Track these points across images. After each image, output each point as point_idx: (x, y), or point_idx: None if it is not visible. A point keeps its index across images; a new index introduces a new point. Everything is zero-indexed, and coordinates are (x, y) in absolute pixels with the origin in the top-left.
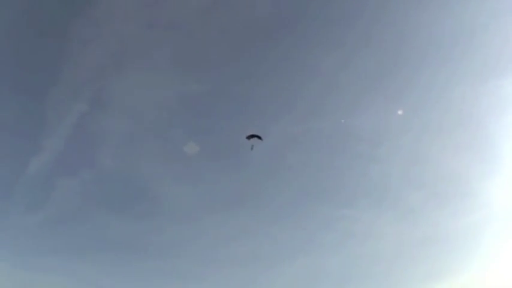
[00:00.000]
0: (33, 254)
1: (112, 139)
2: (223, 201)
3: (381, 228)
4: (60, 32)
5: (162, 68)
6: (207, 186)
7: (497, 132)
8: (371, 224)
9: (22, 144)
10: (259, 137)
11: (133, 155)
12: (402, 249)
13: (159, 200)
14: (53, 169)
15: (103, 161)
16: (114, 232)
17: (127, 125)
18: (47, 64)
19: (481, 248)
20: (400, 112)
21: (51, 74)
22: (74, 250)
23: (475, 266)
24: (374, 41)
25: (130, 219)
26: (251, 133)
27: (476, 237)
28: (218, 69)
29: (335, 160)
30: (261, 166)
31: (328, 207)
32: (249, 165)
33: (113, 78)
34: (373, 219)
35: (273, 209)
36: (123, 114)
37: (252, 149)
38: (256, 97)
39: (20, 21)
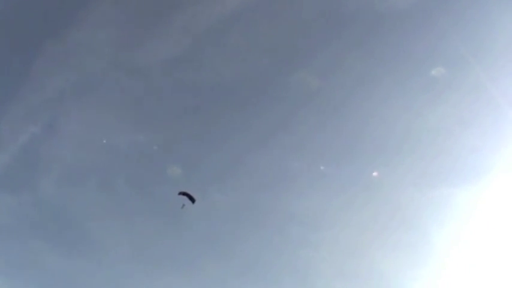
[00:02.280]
0: None
1: (57, 168)
2: (153, 257)
3: None
4: (32, 50)
5: (118, 111)
6: (140, 238)
7: (438, 241)
8: None
9: None
10: (191, 198)
11: (75, 189)
12: None
13: (91, 240)
14: None
15: (44, 188)
16: (42, 259)
17: (74, 159)
18: (11, 78)
19: None
20: (342, 203)
21: (12, 89)
22: None
23: None
24: (329, 125)
25: (59, 250)
26: (185, 191)
27: None
28: (173, 124)
29: (268, 238)
30: (194, 230)
31: (251, 286)
32: (184, 227)
33: (69, 109)
34: None
35: (198, 278)
36: (72, 147)
37: (182, 207)
38: (203, 160)
39: None
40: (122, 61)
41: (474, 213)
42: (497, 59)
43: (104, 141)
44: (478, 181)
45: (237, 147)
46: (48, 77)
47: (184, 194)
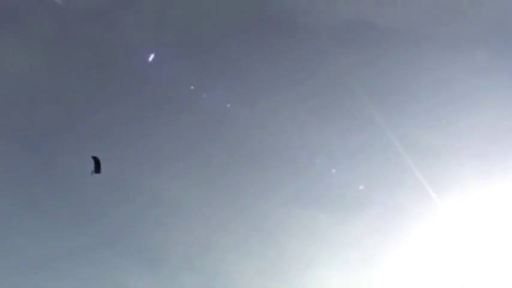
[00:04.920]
0: None
1: None
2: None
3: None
4: None
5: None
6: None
7: (295, 258)
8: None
9: None
10: (96, 168)
11: None
12: None
13: None
14: None
15: None
16: None
17: None
18: None
19: None
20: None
21: None
22: None
23: None
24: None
25: None
26: (98, 158)
27: None
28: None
29: (131, 215)
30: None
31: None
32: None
33: None
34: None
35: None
36: None
37: (91, 174)
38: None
39: None
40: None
41: (337, 241)
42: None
43: None
44: (352, 213)
45: (117, 118)
46: None
47: (95, 160)
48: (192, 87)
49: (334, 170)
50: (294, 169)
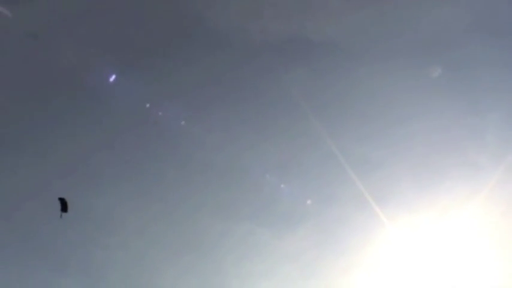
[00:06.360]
0: None
1: None
2: None
3: None
4: None
5: None
6: None
7: (232, 271)
8: None
9: None
10: (63, 208)
11: None
12: None
13: None
14: None
15: None
16: None
17: None
18: None
19: None
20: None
21: None
22: None
23: None
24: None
25: None
26: (64, 198)
27: None
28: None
29: (70, 233)
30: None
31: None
32: None
33: None
34: None
35: None
36: None
37: (60, 216)
38: None
39: None
40: None
41: (276, 255)
42: None
43: None
44: (290, 227)
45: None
46: None
47: (62, 201)
48: (148, 105)
49: (282, 185)
50: (234, 184)
